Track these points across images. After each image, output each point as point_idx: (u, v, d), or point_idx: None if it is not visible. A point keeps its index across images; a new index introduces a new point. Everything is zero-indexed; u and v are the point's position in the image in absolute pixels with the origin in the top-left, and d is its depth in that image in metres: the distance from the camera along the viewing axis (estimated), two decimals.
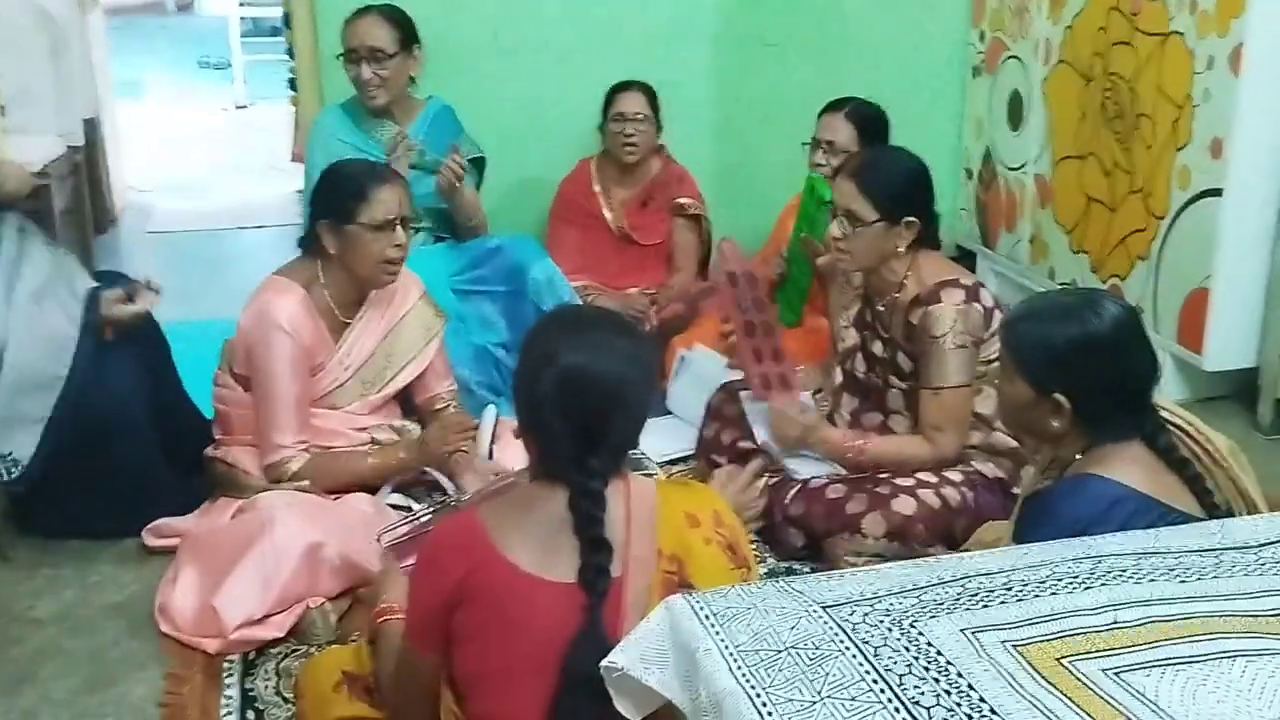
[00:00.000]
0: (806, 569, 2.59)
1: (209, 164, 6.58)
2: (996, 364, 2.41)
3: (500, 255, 3.42)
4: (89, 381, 2.57)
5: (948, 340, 2.53)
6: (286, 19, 4.14)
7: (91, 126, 4.99)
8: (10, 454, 2.53)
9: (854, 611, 1.41)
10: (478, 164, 3.66)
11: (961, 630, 1.36)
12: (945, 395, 2.56)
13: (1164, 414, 1.95)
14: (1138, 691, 1.24)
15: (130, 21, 10.81)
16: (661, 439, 3.15)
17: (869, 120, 3.26)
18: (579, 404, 1.57)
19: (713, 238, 3.94)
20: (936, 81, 4.45)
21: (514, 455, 2.64)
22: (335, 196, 2.65)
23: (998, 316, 2.56)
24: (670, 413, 3.30)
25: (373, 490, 2.68)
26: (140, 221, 5.53)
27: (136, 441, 2.64)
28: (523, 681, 1.57)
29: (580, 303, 3.45)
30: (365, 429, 2.75)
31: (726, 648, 1.35)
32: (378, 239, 2.62)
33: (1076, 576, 1.47)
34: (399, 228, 2.64)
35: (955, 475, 2.60)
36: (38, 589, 2.56)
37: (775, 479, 2.71)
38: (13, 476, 2.54)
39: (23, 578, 2.59)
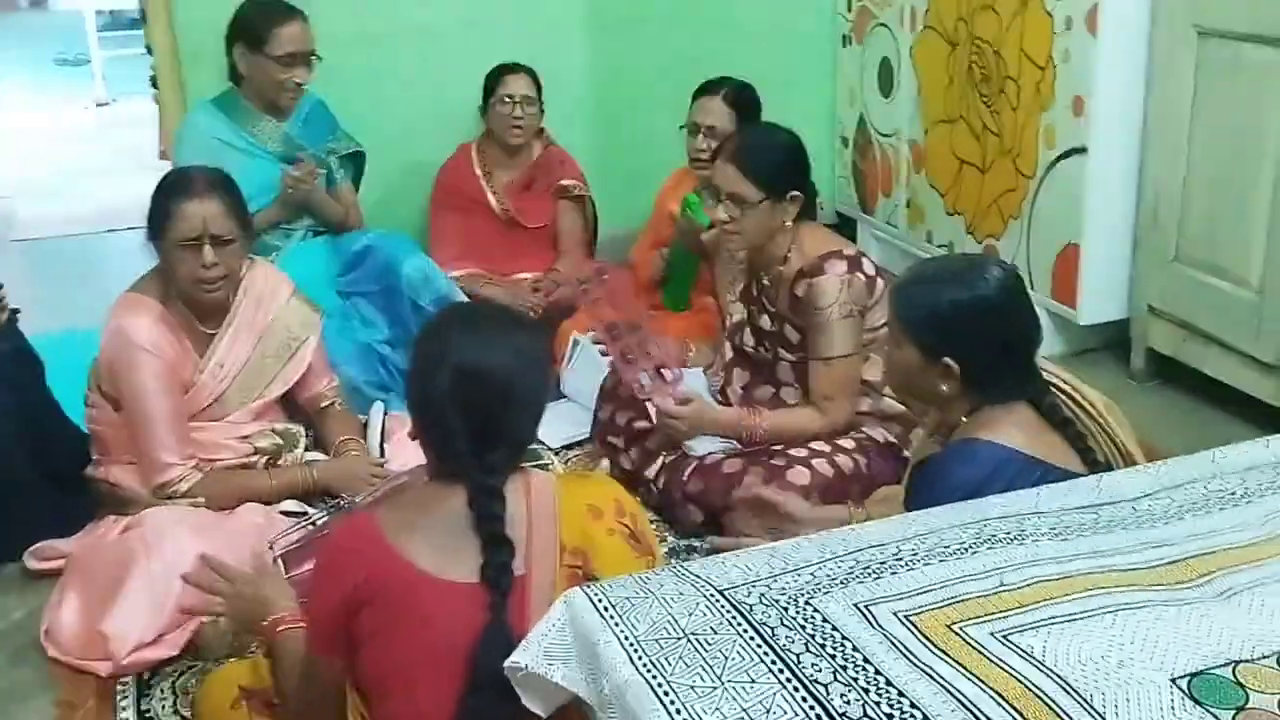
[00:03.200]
0: (706, 546, 2.61)
1: (72, 165, 6.35)
2: (883, 331, 2.47)
3: (371, 254, 3.37)
4: None
5: (833, 311, 2.57)
6: (142, 13, 3.99)
7: None
8: None
9: (750, 593, 1.42)
10: (355, 158, 3.60)
11: (855, 604, 1.39)
12: (834, 365, 2.60)
13: (1045, 375, 2.01)
14: (1025, 651, 1.28)
15: None
16: (557, 424, 3.14)
17: (745, 101, 3.29)
18: (474, 401, 1.56)
19: (597, 219, 3.94)
20: (808, 51, 4.49)
21: (407, 452, 2.60)
22: (151, 211, 2.54)
23: (880, 285, 2.61)
24: (565, 397, 3.30)
25: (264, 500, 2.62)
26: (1, 229, 5.32)
27: (10, 463, 2.53)
28: (429, 682, 1.56)
29: (460, 295, 3.41)
30: (248, 437, 2.68)
31: (626, 638, 1.36)
32: (184, 258, 2.51)
33: (963, 542, 1.51)
34: (207, 246, 2.49)
35: (848, 443, 2.65)
36: None
37: (673, 457, 2.73)
38: None
39: None
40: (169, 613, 2.27)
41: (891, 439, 2.68)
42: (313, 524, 2.37)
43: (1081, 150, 3.32)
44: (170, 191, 2.53)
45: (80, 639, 2.30)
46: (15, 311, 2.74)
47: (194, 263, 2.50)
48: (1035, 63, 3.42)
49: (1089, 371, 3.22)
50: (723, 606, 1.40)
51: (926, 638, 1.31)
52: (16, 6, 11.34)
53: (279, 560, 2.27)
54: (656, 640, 1.35)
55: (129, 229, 5.17)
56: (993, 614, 1.36)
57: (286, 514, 2.57)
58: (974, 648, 1.29)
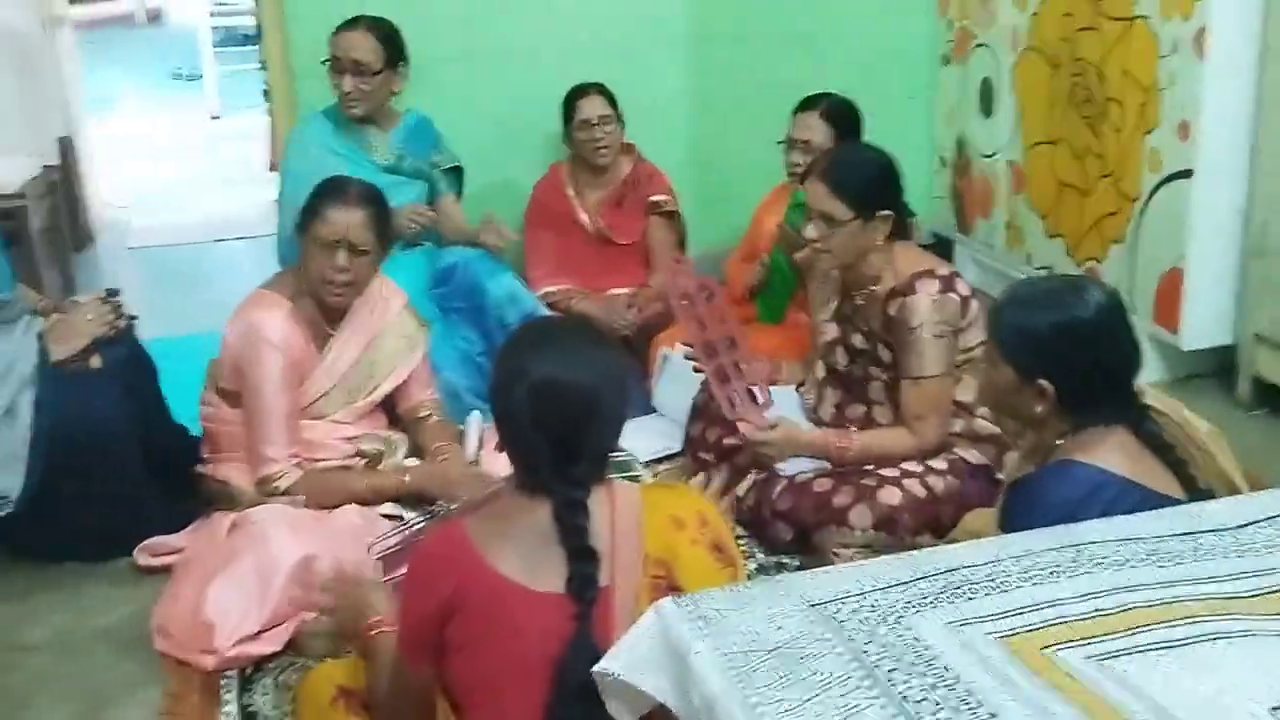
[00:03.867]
0: (795, 563, 2.62)
1: (185, 177, 6.56)
2: (976, 352, 2.45)
3: (459, 272, 3.45)
4: (68, 409, 2.57)
5: (925, 330, 2.56)
6: (258, 29, 4.13)
7: (66, 144, 4.99)
8: (0, 493, 2.53)
9: (841, 608, 1.43)
10: (456, 172, 3.67)
11: (947, 623, 1.39)
12: (925, 385, 2.58)
13: (1146, 399, 1.98)
14: (1120, 677, 1.27)
15: (100, 35, 10.76)
16: (647, 438, 3.17)
17: (843, 117, 3.28)
18: (553, 416, 1.58)
19: (687, 234, 3.96)
20: (907, 71, 4.46)
21: (500, 461, 2.64)
22: (306, 207, 2.67)
23: (975, 305, 2.59)
24: (656, 411, 3.33)
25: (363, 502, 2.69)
26: (119, 238, 5.52)
27: (122, 463, 2.65)
28: (516, 691, 1.59)
29: (548, 313, 3.46)
30: (351, 439, 2.76)
31: (717, 649, 1.37)
32: (321, 256, 2.62)
33: (1059, 565, 1.50)
34: (343, 251, 2.61)
35: (940, 464, 2.63)
36: (30, 615, 2.56)
37: (763, 474, 2.74)
38: (6, 512, 2.54)
39: (15, 604, 2.60)
40: (271, 608, 2.35)
41: (985, 461, 2.65)
42: (410, 528, 2.43)
43: (1187, 174, 3.26)
44: (325, 194, 2.66)
45: (187, 633, 2.38)
46: (133, 318, 2.86)
47: (327, 264, 2.61)
48: (1140, 84, 3.37)
49: (1192, 398, 3.13)
50: (813, 621, 1.40)
51: (1020, 659, 1.31)
52: (135, 23, 11.74)
53: (378, 563, 2.33)
54: (747, 653, 1.36)
55: (238, 239, 5.35)
56: (1088, 638, 1.35)
57: (385, 517, 2.63)
58: (1068, 671, 1.28)
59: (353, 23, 3.40)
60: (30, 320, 2.66)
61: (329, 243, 2.61)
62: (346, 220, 2.62)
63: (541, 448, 1.59)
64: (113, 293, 2.86)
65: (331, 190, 2.68)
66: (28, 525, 2.62)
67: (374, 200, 2.70)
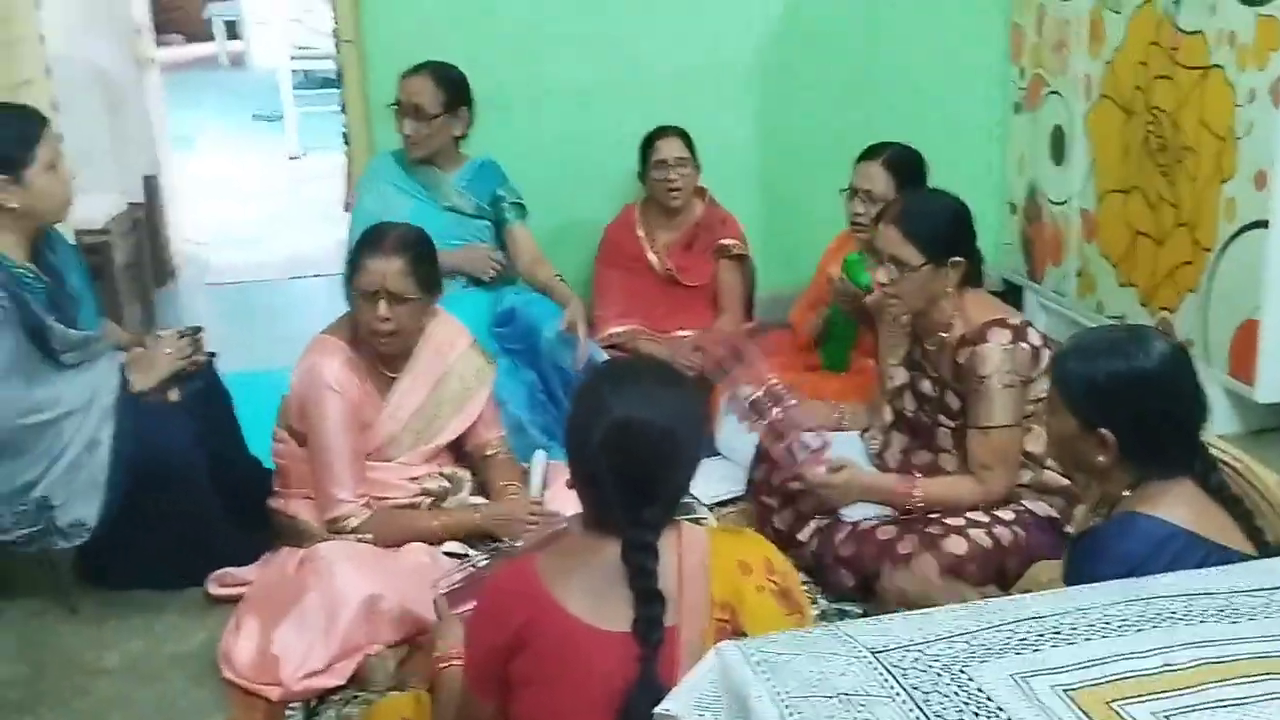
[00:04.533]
0: (858, 610, 2.60)
1: (263, 215, 6.70)
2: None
3: (516, 316, 3.49)
4: (145, 440, 2.64)
5: (995, 380, 2.54)
6: (338, 73, 4.24)
7: (150, 182, 5.13)
8: (76, 520, 2.59)
9: (904, 657, 1.42)
10: (520, 209, 3.72)
11: (1012, 675, 1.37)
12: (994, 435, 2.56)
13: (1213, 450, 1.96)
14: None
15: (185, 76, 11.05)
16: (711, 481, 3.16)
17: (906, 166, 3.27)
18: (630, 457, 1.59)
19: (756, 278, 3.97)
20: (978, 118, 4.46)
21: (565, 499, 2.67)
22: (349, 258, 2.72)
23: (1046, 355, 2.57)
24: (720, 454, 3.33)
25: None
26: (198, 273, 5.65)
27: (198, 494, 2.71)
28: None
29: (604, 356, 3.48)
30: (417, 478, 2.80)
31: (778, 694, 1.37)
32: (365, 306, 2.66)
33: (1126, 619, 1.48)
34: (383, 301, 2.64)
35: (1007, 514, 2.60)
36: (105, 640, 2.62)
37: (826, 521, 2.73)
38: (81, 540, 2.61)
39: (91, 629, 2.66)
40: (336, 642, 2.39)
41: (1053, 513, 2.62)
42: (475, 566, 2.45)
43: (1263, 224, 3.21)
44: (364, 243, 2.71)
45: (254, 663, 2.42)
46: (212, 354, 2.93)
47: (370, 313, 2.65)
48: (1215, 134, 3.33)
49: (1268, 451, 3.08)
50: (875, 668, 1.40)
51: (1085, 714, 1.29)
52: (218, 65, 12.06)
53: (439, 599, 2.36)
54: (808, 698, 1.35)
55: (314, 276, 5.45)
56: (1155, 694, 1.32)
57: (450, 555, 2.66)
58: None
59: (417, 68, 3.49)
60: (114, 354, 2.74)
61: (369, 293, 2.64)
62: (384, 269, 2.64)
63: (615, 488, 1.59)
64: (195, 330, 2.94)
65: (370, 240, 2.71)
66: (104, 552, 2.70)
67: (412, 245, 2.70)
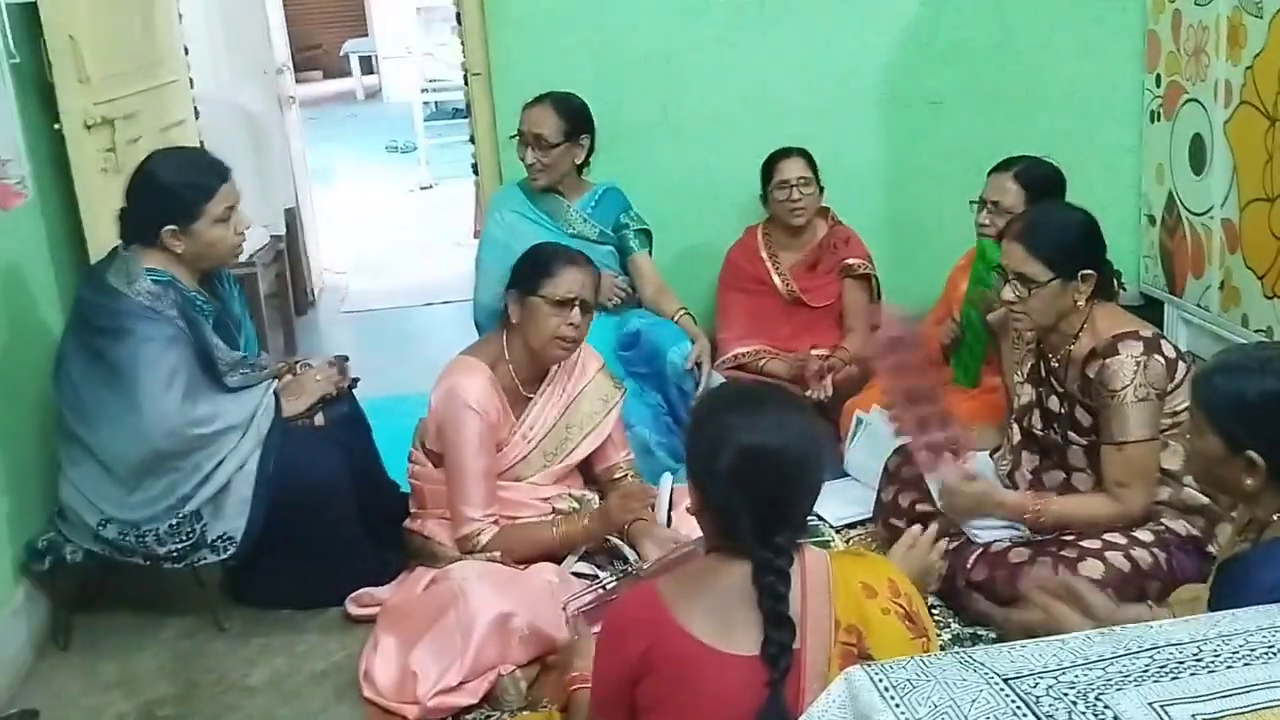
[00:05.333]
0: (992, 635, 2.54)
1: (397, 243, 6.90)
2: (1184, 416, 2.35)
3: (640, 340, 3.52)
4: (291, 462, 2.73)
5: (1128, 393, 2.47)
6: (467, 105, 4.35)
7: (291, 214, 5.33)
8: (224, 534, 2.70)
9: (1037, 684, 1.39)
10: (646, 235, 3.76)
11: (1150, 703, 1.33)
12: (1129, 450, 2.49)
13: None
14: None
15: (322, 111, 11.46)
16: (839, 503, 3.15)
17: (1039, 180, 3.21)
18: (759, 481, 1.60)
19: (883, 297, 3.93)
20: (1113, 129, 4.34)
21: (692, 522, 2.68)
22: (527, 269, 2.80)
23: (1182, 368, 2.50)
24: (848, 475, 3.30)
25: (558, 560, 2.77)
26: (335, 301, 5.84)
27: (340, 516, 2.80)
28: None
29: (726, 380, 3.49)
30: (547, 499, 2.85)
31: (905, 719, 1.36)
32: (555, 314, 2.73)
33: (1272, 646, 1.42)
34: (577, 309, 2.74)
35: (1145, 535, 2.52)
36: (250, 658, 2.72)
37: (957, 543, 2.68)
38: (228, 554, 2.72)
39: (237, 647, 2.77)
40: (470, 661, 2.43)
41: (1195, 532, 2.53)
42: (604, 587, 2.48)
43: None
44: (553, 255, 2.81)
45: (392, 682, 2.48)
46: (355, 380, 3.03)
47: (559, 321, 2.74)
48: None
49: None
50: (1008, 696, 1.37)
51: None
52: (355, 99, 12.47)
53: (571, 620, 2.39)
54: None
55: (444, 303, 5.59)
56: None
57: (578, 575, 2.69)
58: None
59: (539, 99, 3.56)
60: (270, 380, 2.86)
61: (564, 300, 2.73)
62: (582, 279, 2.76)
63: (743, 512, 1.60)
64: (342, 358, 3.06)
65: (560, 252, 2.83)
66: (250, 572, 2.81)
67: (593, 264, 2.86)
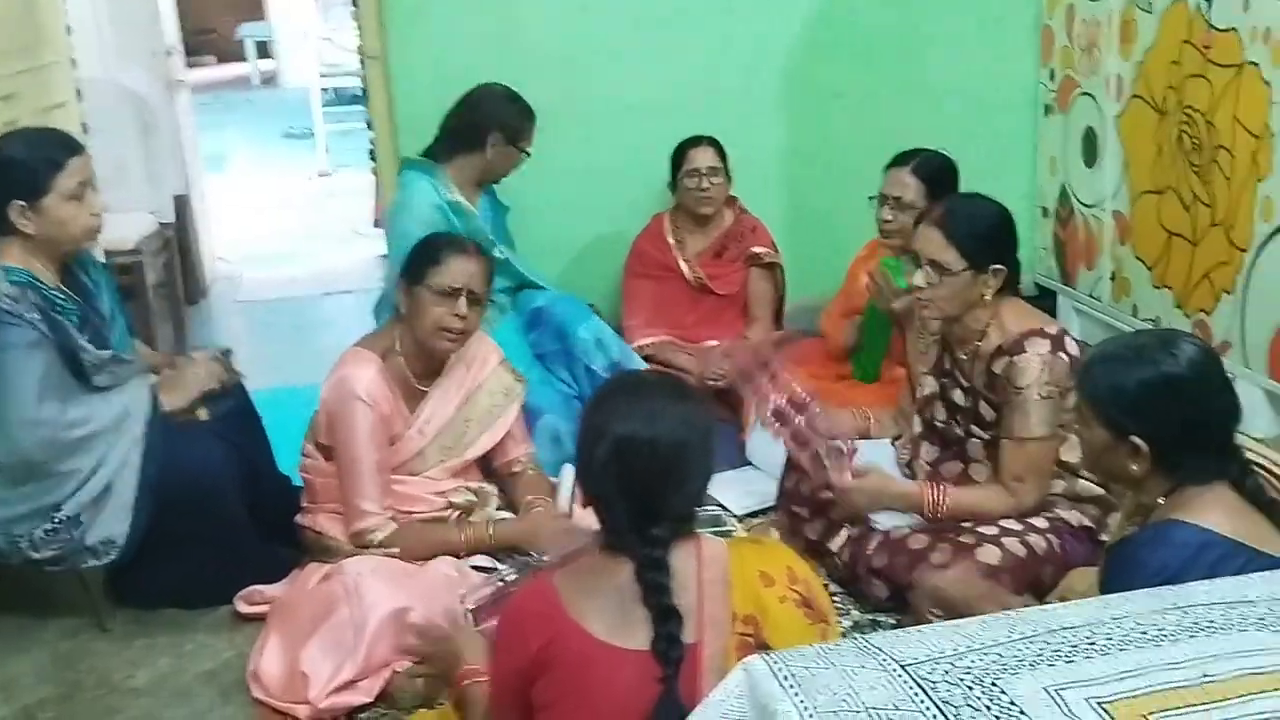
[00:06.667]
0: (891, 621, 2.56)
1: (294, 232, 6.74)
2: None
3: (544, 316, 3.49)
4: (174, 460, 2.64)
5: (1033, 391, 2.49)
6: (365, 90, 4.26)
7: (181, 201, 5.17)
8: (106, 539, 2.60)
9: (934, 669, 1.39)
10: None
11: (1045, 687, 1.34)
12: (1030, 446, 2.52)
13: (1249, 454, 1.91)
14: None
15: (216, 97, 11.17)
16: (742, 492, 3.15)
17: (936, 173, 3.23)
18: (634, 475, 1.58)
19: (786, 286, 3.95)
20: (1008, 122, 4.42)
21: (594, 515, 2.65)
22: (415, 258, 2.73)
23: None
24: (751, 465, 3.30)
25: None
26: (229, 291, 5.69)
27: (227, 512, 2.71)
28: None
29: (636, 359, 3.48)
30: (444, 493, 2.79)
31: (805, 709, 1.34)
32: (439, 304, 2.67)
33: (1163, 629, 1.44)
34: (464, 299, 2.67)
35: (1041, 522, 2.56)
36: (135, 658, 2.63)
37: (857, 530, 2.69)
38: (111, 558, 2.62)
39: (120, 648, 2.67)
40: (363, 659, 2.37)
41: (1087, 522, 2.57)
42: (503, 580, 2.44)
43: None
44: (443, 244, 2.74)
45: (282, 681, 2.41)
46: (241, 375, 2.95)
47: (444, 311, 2.67)
48: (1250, 132, 3.28)
49: None
50: (905, 682, 1.37)
51: None
52: (250, 85, 12.17)
53: (469, 614, 2.35)
54: (836, 713, 1.32)
55: (344, 292, 5.47)
56: (1195, 706, 1.29)
57: (477, 569, 2.65)
58: None
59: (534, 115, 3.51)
60: (145, 375, 2.75)
61: (450, 290, 2.66)
62: (470, 269, 2.69)
63: (623, 506, 1.58)
64: (225, 351, 2.96)
65: (450, 241, 2.77)
66: (134, 571, 2.70)
67: (487, 252, 2.80)
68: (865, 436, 2.94)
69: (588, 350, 3.41)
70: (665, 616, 1.55)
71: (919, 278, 2.57)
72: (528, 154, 3.50)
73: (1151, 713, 1.28)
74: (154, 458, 2.63)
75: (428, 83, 3.61)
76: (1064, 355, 2.51)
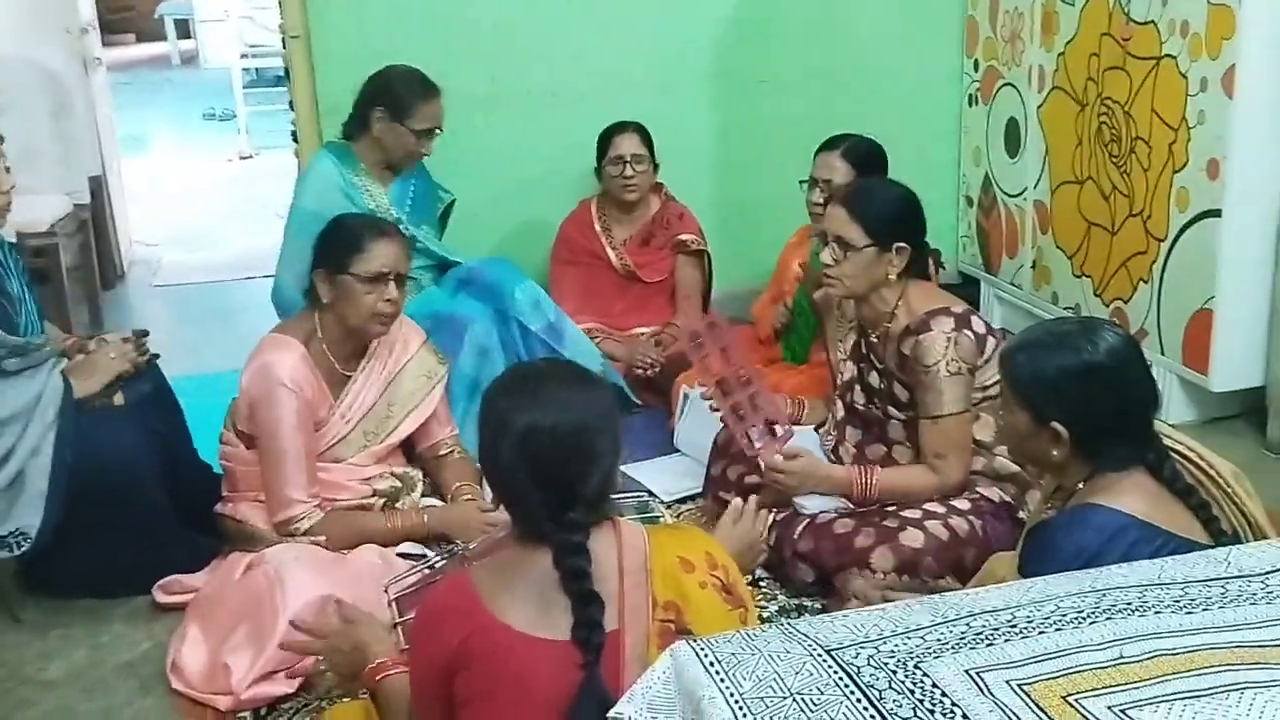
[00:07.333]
0: (817, 605, 2.58)
1: (214, 215, 6.61)
2: (994, 390, 2.43)
3: (476, 275, 3.44)
4: (89, 446, 2.58)
5: (941, 368, 2.53)
6: (287, 70, 4.18)
7: (97, 183, 5.04)
8: (17, 530, 2.53)
9: (858, 654, 1.40)
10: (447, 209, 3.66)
11: (966, 670, 1.36)
12: (944, 423, 2.56)
13: (1167, 440, 1.95)
14: None
15: (135, 76, 10.91)
16: (669, 478, 3.16)
17: (864, 157, 3.26)
18: (542, 464, 1.56)
19: (714, 274, 3.96)
20: (933, 111, 4.47)
21: None
22: (333, 246, 2.67)
23: (991, 343, 2.57)
24: (678, 451, 3.31)
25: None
26: (147, 275, 5.57)
27: (145, 500, 2.65)
28: None
29: (570, 325, 3.47)
30: (368, 479, 2.76)
31: (731, 695, 1.35)
32: (370, 291, 2.63)
33: (1081, 611, 1.47)
34: (392, 283, 2.64)
35: (963, 504, 2.60)
36: (49, 650, 2.56)
37: (784, 514, 2.71)
38: (23, 550, 2.55)
39: (34, 639, 2.60)
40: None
41: (1007, 499, 2.62)
42: (429, 568, 2.42)
43: (1216, 213, 3.23)
44: (361, 230, 2.68)
45: (203, 672, 2.37)
46: (155, 356, 2.87)
47: (376, 297, 2.63)
48: (1168, 124, 3.34)
49: (1222, 440, 3.12)
50: (830, 667, 1.38)
51: (1041, 708, 1.28)
52: (170, 65, 11.90)
53: (394, 603, 2.32)
54: (762, 698, 1.33)
55: (266, 276, 5.36)
56: (1111, 686, 1.31)
57: (404, 556, 2.62)
58: None
59: (434, 91, 3.37)
60: (56, 360, 2.68)
61: (378, 275, 2.62)
62: (395, 251, 2.66)
63: (534, 496, 1.56)
64: (140, 333, 2.88)
65: (367, 225, 2.72)
66: (47, 560, 2.63)
67: (398, 230, 2.78)
68: (797, 423, 2.96)
69: (524, 311, 3.37)
70: (585, 601, 1.54)
71: (825, 255, 2.62)
72: (425, 132, 3.33)
73: (1069, 694, 1.31)
74: (67, 444, 2.56)
75: (351, 64, 3.54)
76: (969, 333, 2.55)
